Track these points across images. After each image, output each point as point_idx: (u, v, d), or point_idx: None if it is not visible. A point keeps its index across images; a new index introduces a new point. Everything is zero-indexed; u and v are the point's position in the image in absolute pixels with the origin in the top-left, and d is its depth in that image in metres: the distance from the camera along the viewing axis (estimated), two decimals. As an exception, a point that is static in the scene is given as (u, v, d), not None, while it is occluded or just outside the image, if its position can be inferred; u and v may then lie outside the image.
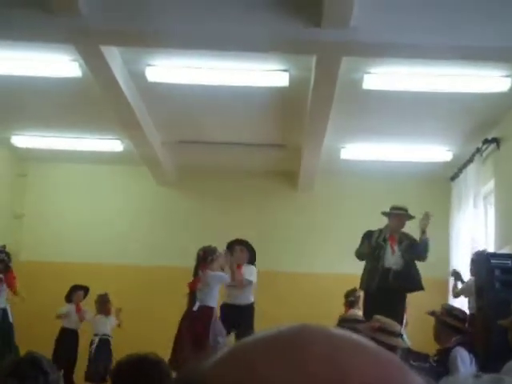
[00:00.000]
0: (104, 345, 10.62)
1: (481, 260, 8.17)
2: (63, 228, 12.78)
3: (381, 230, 9.10)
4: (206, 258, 8.77)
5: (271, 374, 0.51)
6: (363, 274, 9.07)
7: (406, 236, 9.02)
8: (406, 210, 9.08)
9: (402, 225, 9.07)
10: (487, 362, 6.34)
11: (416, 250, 8.85)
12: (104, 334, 10.71)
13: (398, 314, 7.73)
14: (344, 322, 8.71)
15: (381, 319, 5.85)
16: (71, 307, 10.95)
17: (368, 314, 7.53)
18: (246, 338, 0.57)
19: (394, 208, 9.13)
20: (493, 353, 6.55)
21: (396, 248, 8.87)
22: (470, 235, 10.57)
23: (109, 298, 10.93)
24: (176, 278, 10.11)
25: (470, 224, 10.60)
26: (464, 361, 6.25)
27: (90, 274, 11.67)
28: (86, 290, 11.11)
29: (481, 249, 9.15)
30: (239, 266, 9.37)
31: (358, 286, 9.45)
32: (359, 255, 9.22)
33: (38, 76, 9.11)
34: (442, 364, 6.32)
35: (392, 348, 5.43)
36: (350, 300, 10.13)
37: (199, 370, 0.56)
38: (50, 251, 12.37)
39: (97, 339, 10.67)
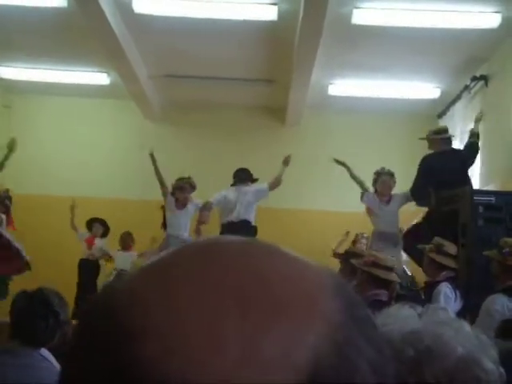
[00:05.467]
0: None
1: (464, 197, 8.18)
2: (48, 161, 12.72)
3: None
4: None
5: (185, 279, 0.50)
6: None
7: None
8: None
9: None
10: (469, 297, 6.42)
11: None
12: (122, 270, 10.73)
13: None
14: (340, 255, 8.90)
15: (377, 254, 5.85)
16: (86, 235, 11.09)
17: None
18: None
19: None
20: (475, 288, 6.61)
21: None
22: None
23: (131, 235, 11.04)
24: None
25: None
26: (447, 298, 6.29)
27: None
28: (103, 224, 11.19)
29: None
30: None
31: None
32: None
33: (23, 5, 8.97)
34: (428, 298, 6.36)
35: (385, 282, 5.46)
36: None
37: (112, 288, 0.54)
38: (34, 184, 12.32)
39: (114, 273, 10.72)
